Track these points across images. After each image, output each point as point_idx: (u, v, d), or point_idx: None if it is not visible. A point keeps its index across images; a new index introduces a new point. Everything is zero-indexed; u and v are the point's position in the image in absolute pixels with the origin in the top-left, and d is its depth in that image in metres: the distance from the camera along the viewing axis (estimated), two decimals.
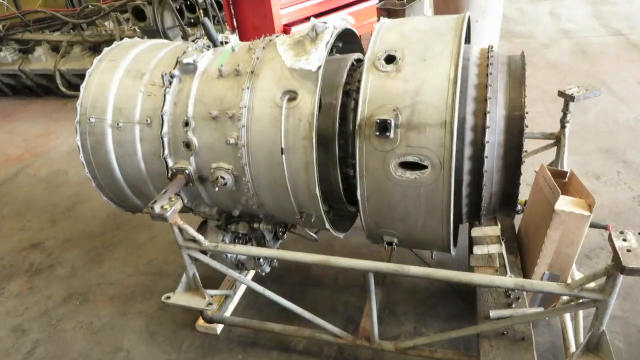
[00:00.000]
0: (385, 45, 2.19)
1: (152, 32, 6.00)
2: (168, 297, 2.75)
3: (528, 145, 4.12)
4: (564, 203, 2.46)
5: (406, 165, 2.06)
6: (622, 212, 3.55)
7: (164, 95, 2.50)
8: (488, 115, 2.05)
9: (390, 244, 2.36)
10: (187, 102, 2.46)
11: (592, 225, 2.75)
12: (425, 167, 2.03)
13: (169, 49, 2.77)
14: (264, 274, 2.99)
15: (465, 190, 2.18)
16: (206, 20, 2.65)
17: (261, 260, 2.88)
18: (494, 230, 2.61)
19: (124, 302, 3.40)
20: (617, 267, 1.78)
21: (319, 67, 2.22)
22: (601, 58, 6.31)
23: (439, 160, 1.99)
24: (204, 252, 2.59)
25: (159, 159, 2.54)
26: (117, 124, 2.59)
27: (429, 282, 3.10)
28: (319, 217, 2.41)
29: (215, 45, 2.68)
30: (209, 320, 2.92)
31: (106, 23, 7.00)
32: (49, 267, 3.83)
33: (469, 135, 2.08)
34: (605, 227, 2.79)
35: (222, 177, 2.43)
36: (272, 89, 2.31)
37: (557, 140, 3.12)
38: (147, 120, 2.54)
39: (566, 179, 2.84)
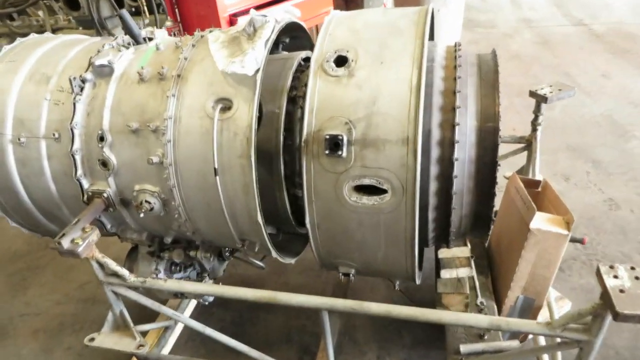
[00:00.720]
0: (335, 43, 1.83)
1: (87, 23, 5.42)
2: (92, 339, 2.35)
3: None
4: (540, 221, 2.19)
5: (362, 189, 1.74)
6: (593, 217, 3.36)
7: (74, 104, 2.07)
8: (457, 127, 1.74)
9: (347, 275, 2.04)
10: (101, 112, 2.04)
11: None
12: (384, 191, 1.70)
13: (82, 47, 2.33)
14: (207, 303, 2.62)
15: (431, 214, 1.87)
16: (124, 12, 2.22)
17: None
18: (464, 251, 2.33)
19: (50, 337, 2.97)
20: (607, 307, 1.52)
21: (257, 71, 1.85)
22: (564, 48, 6.17)
23: (401, 183, 1.67)
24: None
25: (71, 179, 2.12)
26: (19, 139, 2.14)
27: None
28: (264, 244, 2.05)
29: (137, 43, 2.26)
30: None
31: (40, 12, 6.34)
32: None
33: (435, 152, 1.77)
34: (581, 241, 2.56)
35: (147, 202, 2.04)
36: (202, 97, 1.92)
37: (528, 144, 2.86)
38: (54, 134, 2.11)
39: (539, 188, 2.59)
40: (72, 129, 2.06)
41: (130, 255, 2.51)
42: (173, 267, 2.46)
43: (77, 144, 2.07)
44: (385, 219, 1.74)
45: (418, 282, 2.03)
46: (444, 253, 2.35)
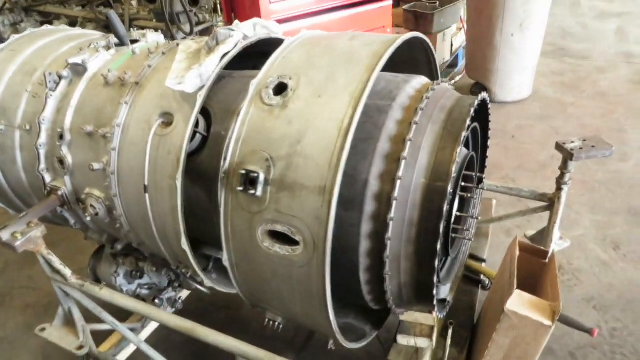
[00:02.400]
0: (283, 68, 1.64)
1: (161, 16, 5.67)
2: (43, 329, 2.38)
3: (514, 203, 3.43)
4: (518, 303, 1.84)
5: (277, 236, 1.53)
6: (635, 300, 2.79)
7: (46, 99, 2.09)
8: (398, 181, 1.47)
9: (274, 322, 1.83)
10: (66, 111, 2.04)
11: (571, 325, 2.10)
12: (297, 242, 1.48)
13: (77, 43, 2.35)
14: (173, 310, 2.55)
15: (364, 276, 1.61)
16: (111, 12, 2.21)
17: (158, 301, 2.44)
18: (427, 319, 2.01)
19: (36, 314, 3.09)
20: None
21: (201, 89, 1.71)
22: None
23: (313, 237, 1.44)
24: None
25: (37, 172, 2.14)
26: None
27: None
28: (195, 272, 1.92)
29: (122, 44, 2.23)
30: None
31: (134, 2, 6.78)
32: None
33: (370, 207, 1.51)
34: (590, 331, 2.11)
35: (92, 206, 2.00)
36: (150, 108, 1.83)
37: (551, 203, 2.43)
38: (26, 126, 2.14)
39: (547, 260, 2.19)
40: (39, 123, 2.07)
41: (97, 254, 2.51)
42: (133, 273, 2.42)
43: (42, 139, 2.08)
44: (298, 274, 1.52)
45: (348, 345, 1.77)
46: (405, 315, 2.05)
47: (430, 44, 1.99)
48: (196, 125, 1.78)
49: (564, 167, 2.31)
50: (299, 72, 1.60)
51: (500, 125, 4.85)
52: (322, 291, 1.48)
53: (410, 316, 2.04)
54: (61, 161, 2.05)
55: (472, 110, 1.57)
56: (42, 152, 2.10)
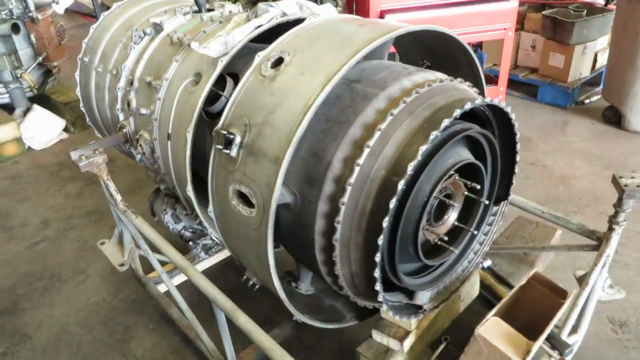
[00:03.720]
0: (289, 44, 1.73)
1: None
2: (102, 243, 2.85)
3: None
4: (492, 329, 1.70)
5: (242, 196, 1.64)
6: None
7: (130, 51, 2.47)
8: (357, 168, 1.47)
9: (249, 281, 1.96)
10: (140, 62, 2.39)
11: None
12: (254, 205, 1.58)
13: (170, 7, 2.70)
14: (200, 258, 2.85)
15: (319, 255, 1.64)
16: None
17: (192, 244, 2.75)
18: (406, 322, 1.93)
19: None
20: None
21: (223, 55, 1.88)
22: None
23: (263, 203, 1.52)
24: None
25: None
26: (98, 69, 2.67)
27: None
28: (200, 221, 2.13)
29: (199, 11, 2.51)
30: (139, 280, 2.94)
31: None
32: None
33: (328, 187, 1.53)
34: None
35: (141, 146, 2.33)
36: (190, 68, 2.07)
37: (599, 242, 2.12)
38: (113, 71, 2.56)
39: (564, 301, 1.96)
40: (121, 70, 2.46)
41: (157, 190, 2.88)
42: (176, 214, 2.74)
43: (121, 83, 2.47)
44: (252, 235, 1.62)
45: (301, 319, 1.82)
46: (385, 313, 2.00)
47: (467, 45, 1.87)
48: (224, 88, 1.96)
49: (618, 205, 1.99)
50: (298, 49, 1.67)
51: (623, 156, 4.20)
52: (265, 256, 1.56)
53: (390, 316, 1.99)
54: (128, 104, 2.41)
55: (458, 111, 1.47)
56: (120, 94, 2.49)
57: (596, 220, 3.42)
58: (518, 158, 1.92)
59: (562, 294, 1.96)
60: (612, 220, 2.05)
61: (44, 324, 2.95)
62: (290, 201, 1.62)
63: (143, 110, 2.19)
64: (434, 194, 1.57)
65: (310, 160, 1.58)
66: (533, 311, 1.97)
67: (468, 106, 1.51)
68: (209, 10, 2.51)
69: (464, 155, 1.70)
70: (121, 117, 2.52)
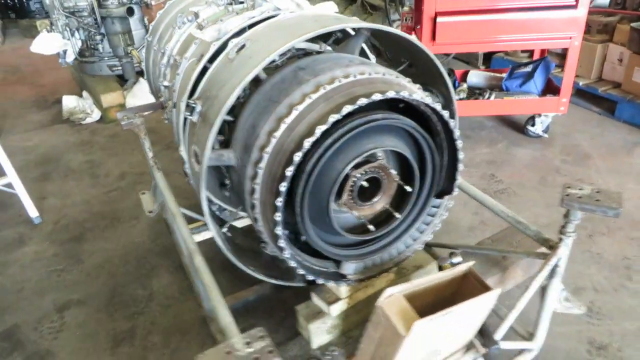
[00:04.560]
0: (255, 33, 2.04)
1: None
2: (143, 193, 3.42)
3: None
4: (391, 302, 1.86)
5: (196, 155, 1.99)
6: None
7: (173, 34, 2.95)
8: (274, 140, 1.73)
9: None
10: (177, 43, 2.86)
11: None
12: (199, 163, 1.92)
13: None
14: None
15: (251, 213, 1.93)
16: None
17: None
18: (341, 290, 2.13)
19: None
20: None
21: (216, 40, 2.24)
22: None
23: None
24: None
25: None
26: (154, 47, 3.22)
27: None
28: None
29: (231, 3, 2.90)
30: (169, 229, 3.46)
31: None
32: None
33: (254, 154, 1.81)
34: None
35: (167, 113, 2.80)
36: (199, 50, 2.46)
37: (550, 250, 2.10)
38: (162, 50, 3.07)
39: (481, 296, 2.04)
40: (165, 49, 2.96)
41: None
42: None
43: (164, 60, 2.97)
44: (195, 187, 1.96)
45: (233, 259, 2.13)
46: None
47: (422, 46, 2.00)
48: None
49: (565, 215, 1.97)
50: (257, 38, 1.97)
51: None
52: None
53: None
54: (164, 76, 2.91)
55: (363, 100, 1.65)
56: (162, 69, 2.99)
57: (623, 245, 3.21)
58: (461, 156, 2.01)
59: (487, 289, 2.01)
60: (561, 230, 2.03)
61: (96, 253, 3.62)
62: (235, 164, 1.94)
63: (166, 83, 2.65)
64: (350, 173, 1.77)
65: (249, 131, 1.88)
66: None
67: (377, 97, 1.68)
68: (241, 2, 2.90)
69: (392, 144, 1.86)
70: (162, 88, 3.03)
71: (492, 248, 2.47)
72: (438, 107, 1.83)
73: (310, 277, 1.97)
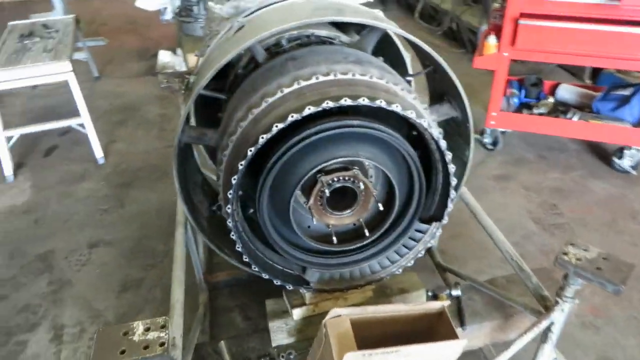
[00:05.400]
0: (257, 15, 1.98)
1: None
2: None
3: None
4: (338, 323, 1.74)
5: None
6: None
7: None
8: (239, 129, 1.67)
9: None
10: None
11: None
12: None
13: None
14: None
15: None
16: None
17: None
18: (307, 295, 2.03)
19: None
20: None
21: (233, 17, 2.20)
22: None
23: None
24: None
25: None
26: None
27: None
28: None
29: None
30: None
31: None
32: None
33: (225, 141, 1.77)
34: None
35: None
36: (226, 25, 2.44)
37: (545, 311, 1.81)
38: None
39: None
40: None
41: None
42: None
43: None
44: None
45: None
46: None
47: (431, 52, 1.77)
48: None
49: (564, 277, 1.65)
50: (256, 20, 1.89)
51: None
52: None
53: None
54: None
55: (329, 103, 1.51)
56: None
57: None
58: (454, 182, 1.78)
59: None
60: (557, 292, 1.72)
61: (137, 201, 3.87)
62: (214, 145, 1.92)
63: (196, 53, 2.68)
64: (319, 178, 1.65)
65: (229, 116, 1.83)
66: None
67: (346, 102, 1.52)
68: None
69: (369, 156, 1.69)
70: None
71: (494, 289, 2.19)
72: (423, 122, 1.62)
73: (265, 276, 1.90)
